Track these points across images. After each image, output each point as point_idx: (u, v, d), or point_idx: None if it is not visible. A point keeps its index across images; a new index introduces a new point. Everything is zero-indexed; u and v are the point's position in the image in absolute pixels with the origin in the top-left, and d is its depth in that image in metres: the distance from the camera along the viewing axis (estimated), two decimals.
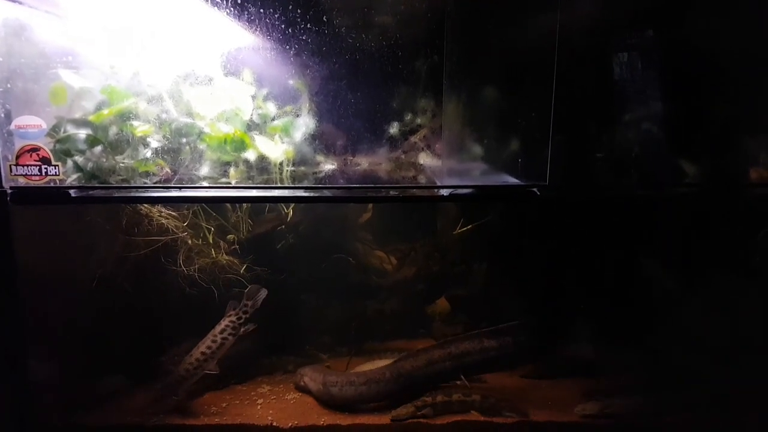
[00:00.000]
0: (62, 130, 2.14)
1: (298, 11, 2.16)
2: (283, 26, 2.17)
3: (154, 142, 2.23)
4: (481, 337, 2.73)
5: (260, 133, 2.32)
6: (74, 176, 2.16)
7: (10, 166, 2.05)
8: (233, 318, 2.63)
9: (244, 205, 2.85)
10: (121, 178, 2.21)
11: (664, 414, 2.57)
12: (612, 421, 2.52)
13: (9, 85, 2.08)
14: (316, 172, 2.38)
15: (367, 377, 2.62)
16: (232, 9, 2.15)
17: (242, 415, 2.53)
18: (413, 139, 2.43)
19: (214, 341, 2.60)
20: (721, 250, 2.72)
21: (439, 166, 2.44)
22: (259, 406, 2.62)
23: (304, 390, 2.74)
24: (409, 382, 2.61)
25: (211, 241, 2.81)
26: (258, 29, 2.17)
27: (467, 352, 2.72)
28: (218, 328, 2.62)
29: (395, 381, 2.61)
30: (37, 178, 2.08)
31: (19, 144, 2.05)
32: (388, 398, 2.58)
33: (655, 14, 2.46)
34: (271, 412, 2.56)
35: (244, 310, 2.64)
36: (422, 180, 2.45)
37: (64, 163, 2.13)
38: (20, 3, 2.09)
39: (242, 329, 2.63)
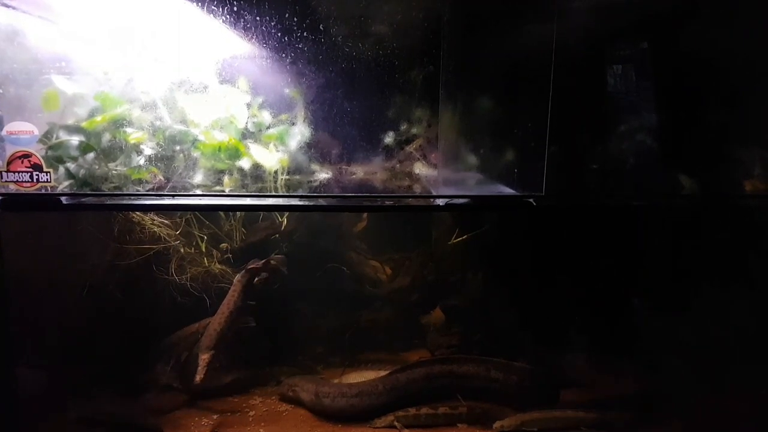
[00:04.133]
0: (54, 136, 2.11)
1: (295, 19, 2.15)
2: (279, 34, 2.16)
3: (148, 150, 2.21)
4: (488, 365, 2.71)
5: (255, 142, 2.31)
6: (66, 183, 2.14)
7: (1, 172, 2.02)
8: (251, 268, 2.71)
9: (238, 213, 2.83)
10: (113, 185, 2.19)
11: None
12: None
13: (1, 91, 2.06)
14: (310, 181, 2.36)
15: (359, 389, 2.59)
16: (228, 16, 2.14)
17: (233, 427, 2.49)
18: (409, 148, 2.42)
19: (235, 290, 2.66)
20: (716, 261, 2.73)
21: (434, 175, 2.43)
22: (250, 418, 2.58)
23: (292, 401, 2.70)
24: (403, 395, 2.58)
25: (203, 249, 2.78)
26: (254, 37, 2.16)
27: (470, 375, 2.69)
28: (237, 277, 2.69)
29: (388, 394, 2.57)
30: (28, 184, 2.05)
31: (10, 150, 2.03)
32: (381, 411, 2.55)
33: (650, 26, 2.47)
34: (263, 424, 2.53)
35: (264, 262, 2.74)
36: (418, 190, 2.44)
37: (56, 169, 2.11)
38: (13, 8, 2.08)
39: (256, 279, 2.73)
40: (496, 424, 2.50)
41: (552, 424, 2.51)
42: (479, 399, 2.64)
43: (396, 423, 2.50)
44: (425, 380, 2.64)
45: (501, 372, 2.69)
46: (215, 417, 2.57)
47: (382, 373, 2.77)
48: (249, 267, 2.71)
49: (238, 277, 2.72)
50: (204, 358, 2.52)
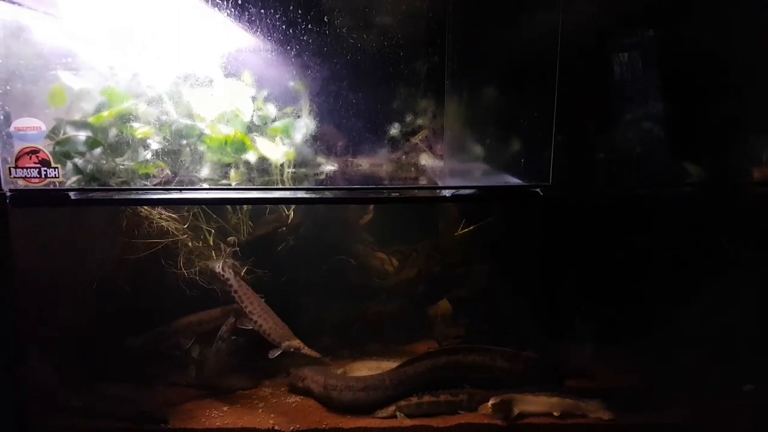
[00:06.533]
0: (62, 132, 2.12)
1: (299, 12, 2.15)
2: (283, 27, 2.16)
3: (154, 144, 2.22)
4: (494, 354, 2.72)
5: (261, 135, 2.31)
6: (74, 178, 2.15)
7: (10, 168, 2.04)
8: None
9: (245, 207, 2.84)
10: (121, 180, 2.20)
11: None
12: None
13: (8, 87, 2.07)
14: (316, 174, 2.37)
15: (365, 383, 2.59)
16: (232, 10, 2.14)
17: (243, 418, 2.51)
18: (414, 139, 2.42)
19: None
20: (724, 249, 2.72)
21: (440, 166, 2.43)
22: (260, 410, 2.60)
23: (301, 392, 2.72)
24: (410, 388, 2.58)
25: (211, 243, 2.79)
26: (258, 30, 2.16)
27: (476, 365, 2.70)
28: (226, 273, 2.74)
29: (395, 388, 2.57)
30: (37, 180, 2.06)
31: (18, 146, 2.04)
32: (388, 404, 2.55)
33: (656, 14, 2.45)
34: (272, 415, 2.54)
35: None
36: (424, 181, 2.44)
37: (64, 165, 2.12)
38: (19, 4, 2.08)
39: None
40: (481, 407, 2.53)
41: (527, 406, 2.53)
42: (485, 387, 2.64)
43: (397, 413, 2.50)
44: (431, 372, 2.65)
45: (507, 361, 2.70)
46: (225, 408, 2.59)
47: (389, 363, 2.78)
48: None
49: (235, 277, 2.73)
50: (296, 344, 2.64)
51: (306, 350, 2.61)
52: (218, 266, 2.70)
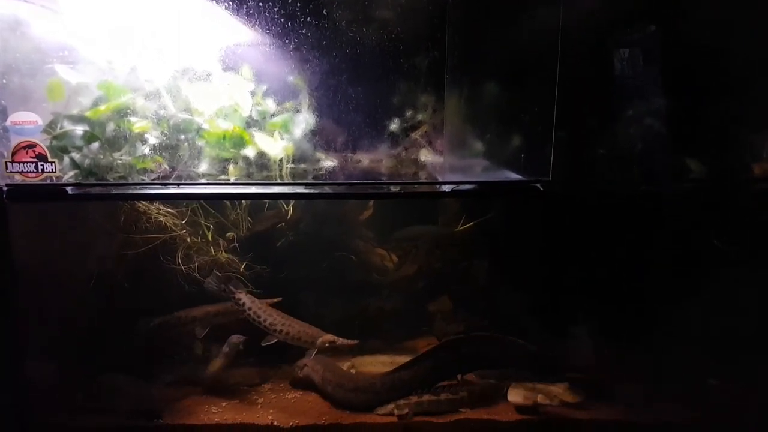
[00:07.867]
0: (59, 126, 2.11)
1: (298, 5, 2.13)
2: (282, 20, 2.15)
3: (152, 139, 2.21)
4: (487, 342, 2.74)
5: (259, 130, 2.29)
6: (71, 173, 2.14)
7: (6, 163, 2.03)
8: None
9: (244, 202, 2.83)
10: (118, 175, 2.19)
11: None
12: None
13: (4, 81, 2.06)
14: (316, 169, 2.35)
15: (356, 384, 2.59)
16: (230, 3, 2.12)
17: (242, 414, 2.50)
18: (414, 135, 2.41)
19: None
20: (724, 245, 2.70)
21: (440, 162, 2.42)
22: (259, 406, 2.59)
23: (303, 382, 2.72)
24: (406, 391, 2.55)
25: (210, 238, 2.78)
26: (257, 23, 2.15)
27: (474, 355, 2.70)
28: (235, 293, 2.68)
29: (387, 392, 2.55)
30: (34, 175, 2.05)
31: (14, 140, 2.03)
32: (379, 406, 2.53)
33: (657, 10, 2.44)
34: (271, 411, 2.54)
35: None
36: (424, 177, 2.43)
37: (61, 159, 2.11)
38: None
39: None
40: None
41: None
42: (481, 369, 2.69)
43: (395, 411, 2.48)
44: (427, 374, 2.62)
45: (502, 349, 2.72)
46: (224, 404, 2.59)
47: (402, 358, 2.77)
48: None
49: (246, 295, 2.70)
50: (329, 338, 2.56)
51: (341, 341, 2.54)
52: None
